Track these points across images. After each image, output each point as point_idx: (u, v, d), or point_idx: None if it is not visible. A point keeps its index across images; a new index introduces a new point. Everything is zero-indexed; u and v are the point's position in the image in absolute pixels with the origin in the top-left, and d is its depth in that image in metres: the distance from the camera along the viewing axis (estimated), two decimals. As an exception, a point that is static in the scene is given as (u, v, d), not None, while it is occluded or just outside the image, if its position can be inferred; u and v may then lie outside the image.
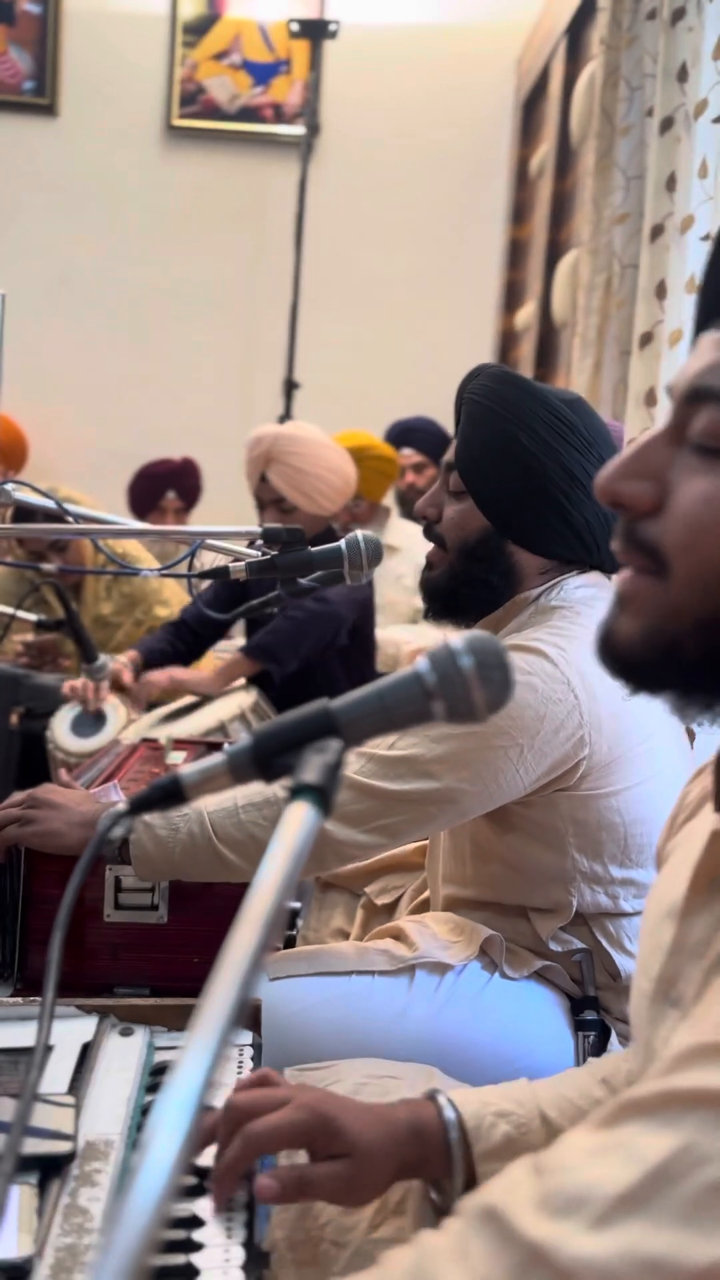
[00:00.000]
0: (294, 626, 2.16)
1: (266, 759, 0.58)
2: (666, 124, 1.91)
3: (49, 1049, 0.89)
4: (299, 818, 0.52)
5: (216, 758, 0.61)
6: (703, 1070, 0.44)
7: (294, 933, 1.36)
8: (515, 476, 1.16)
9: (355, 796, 1.08)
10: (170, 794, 0.61)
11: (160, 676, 2.16)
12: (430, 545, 1.28)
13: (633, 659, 0.56)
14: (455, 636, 0.60)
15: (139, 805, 0.62)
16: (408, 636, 2.90)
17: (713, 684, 0.54)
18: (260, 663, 2.16)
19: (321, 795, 0.53)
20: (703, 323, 0.58)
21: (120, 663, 2.20)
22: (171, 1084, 0.41)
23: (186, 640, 2.40)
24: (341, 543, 1.31)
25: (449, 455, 1.23)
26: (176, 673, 2.18)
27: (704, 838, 0.62)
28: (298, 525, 1.48)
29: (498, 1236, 0.45)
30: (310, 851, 1.09)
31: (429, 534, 1.27)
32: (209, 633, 2.43)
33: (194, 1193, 0.73)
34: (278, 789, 1.09)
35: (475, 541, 1.20)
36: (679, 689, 0.56)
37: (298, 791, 0.53)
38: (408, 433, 3.51)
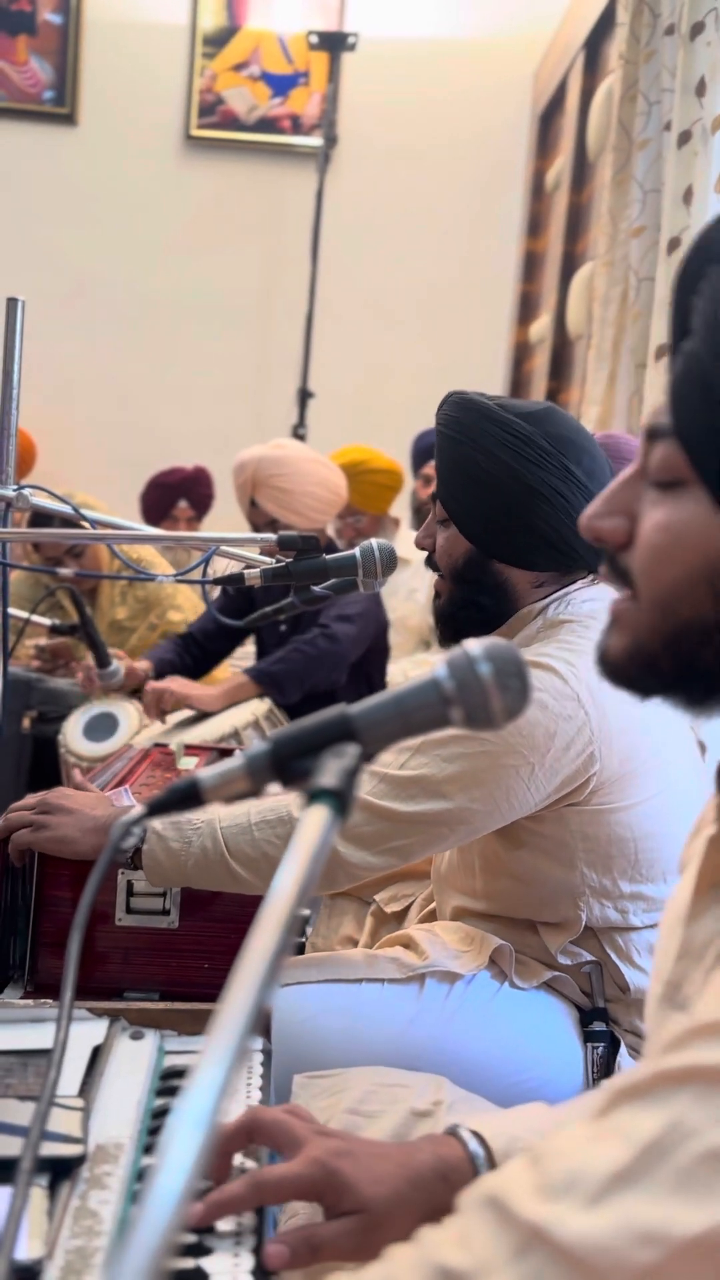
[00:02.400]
0: (304, 661, 2.18)
1: (284, 763, 0.58)
2: (684, 137, 1.92)
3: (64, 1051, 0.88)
4: (317, 821, 0.52)
5: (234, 761, 0.61)
6: (692, 1049, 0.45)
7: (304, 940, 1.36)
8: (481, 497, 1.18)
9: (367, 818, 1.08)
10: (188, 797, 0.61)
11: (166, 686, 2.15)
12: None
13: (621, 672, 0.63)
14: (474, 643, 0.60)
15: (156, 808, 0.62)
16: (417, 672, 2.91)
17: (688, 690, 0.60)
18: (265, 689, 2.18)
19: (339, 799, 0.53)
20: (673, 349, 0.60)
21: (142, 666, 2.22)
22: (189, 1087, 0.41)
23: (194, 654, 2.41)
24: (356, 550, 1.31)
25: (434, 488, 1.26)
26: (181, 686, 2.16)
27: (703, 847, 0.63)
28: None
29: (497, 1221, 0.46)
30: (323, 872, 1.09)
31: (429, 564, 1.29)
32: (216, 647, 2.44)
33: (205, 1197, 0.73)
34: (292, 808, 1.09)
35: (463, 565, 1.22)
36: (665, 695, 0.62)
37: (316, 795, 0.53)
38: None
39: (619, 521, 0.61)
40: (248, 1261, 0.68)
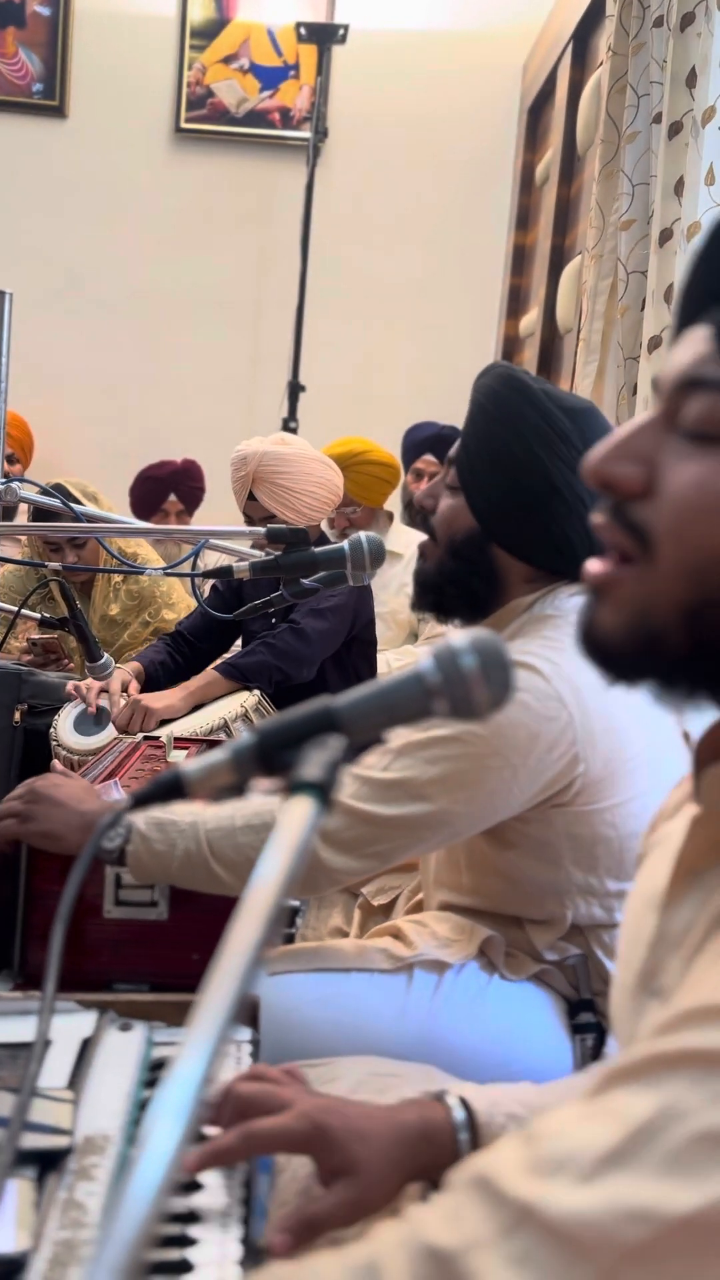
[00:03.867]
0: (272, 655, 2.17)
1: (269, 754, 0.58)
2: (674, 129, 1.92)
3: (47, 1044, 0.89)
4: (300, 813, 0.52)
5: (219, 753, 0.61)
6: (688, 1031, 0.45)
7: (293, 931, 1.36)
8: (502, 483, 1.15)
9: (349, 823, 1.07)
10: (172, 790, 0.61)
11: (139, 704, 2.12)
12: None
13: (612, 652, 0.56)
14: (458, 635, 0.60)
15: (141, 801, 0.62)
16: (400, 662, 2.91)
17: (697, 674, 0.54)
18: (234, 683, 2.17)
19: (323, 791, 0.54)
20: (685, 323, 0.59)
21: (127, 672, 2.20)
22: (170, 1078, 0.41)
23: (184, 653, 2.40)
24: (345, 543, 1.32)
25: (453, 449, 1.23)
26: (150, 701, 2.12)
27: (684, 830, 0.62)
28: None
29: (487, 1199, 0.46)
30: (304, 877, 1.09)
31: (424, 524, 1.26)
32: (206, 645, 2.43)
33: (192, 1188, 0.73)
34: (277, 813, 1.09)
35: (462, 540, 1.19)
36: (661, 679, 0.55)
37: (299, 787, 0.54)
38: (438, 441, 3.40)
39: (634, 468, 0.55)
40: (235, 1251, 0.68)
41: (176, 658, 2.39)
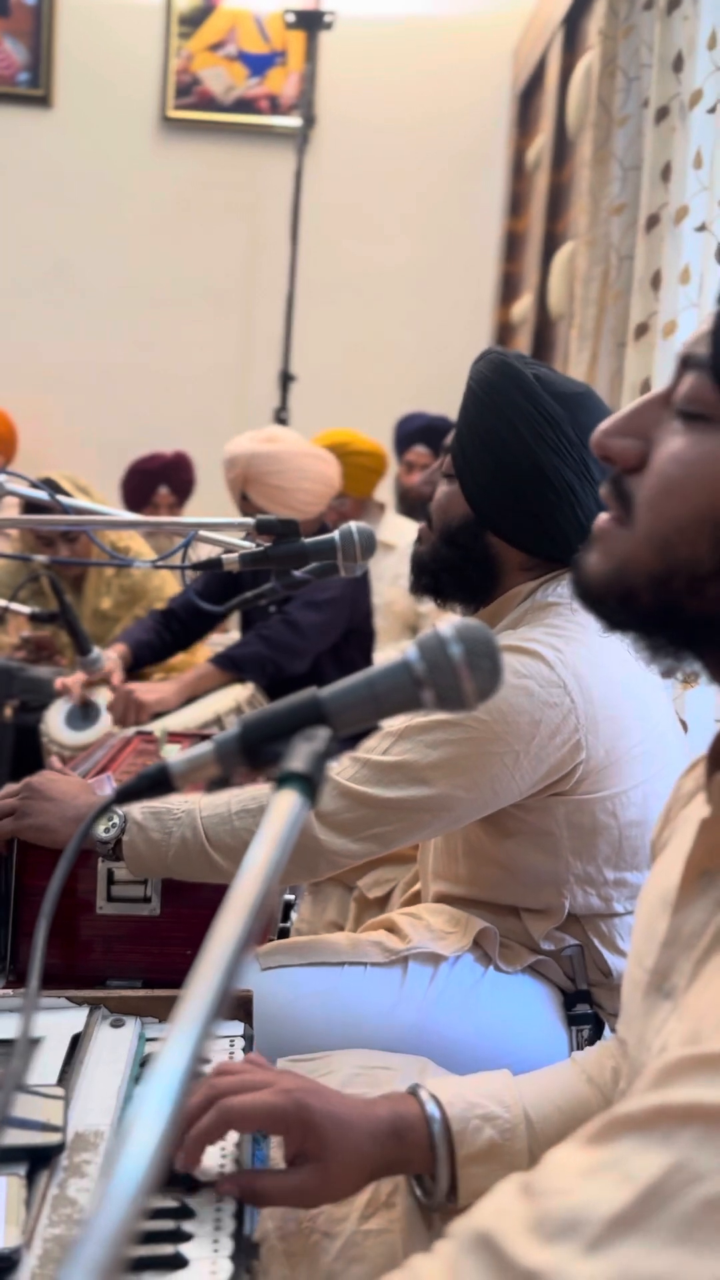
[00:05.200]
0: (266, 648, 2.16)
1: (254, 747, 0.58)
2: (662, 113, 1.90)
3: (37, 1041, 0.88)
4: (286, 806, 0.51)
5: (204, 746, 0.60)
6: (696, 1084, 0.43)
7: (288, 924, 1.35)
8: (492, 467, 1.15)
9: (348, 805, 1.07)
10: (158, 783, 0.61)
11: (132, 696, 2.11)
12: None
13: (595, 593, 0.61)
14: (445, 624, 0.59)
15: (126, 795, 0.61)
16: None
17: (669, 632, 0.58)
18: (229, 674, 2.16)
19: (309, 784, 0.53)
20: None
21: (112, 660, 2.19)
22: (153, 1073, 0.40)
23: (174, 630, 2.38)
24: (335, 534, 1.30)
25: (449, 436, 1.23)
26: (143, 694, 2.11)
27: (694, 830, 0.62)
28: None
29: (492, 1265, 0.44)
30: (302, 860, 1.10)
31: (423, 511, 1.26)
32: (199, 624, 2.42)
33: (184, 1183, 0.73)
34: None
35: (456, 527, 1.19)
36: (638, 631, 0.60)
37: (285, 780, 0.53)
38: (428, 431, 3.38)
39: (632, 443, 0.59)
40: (227, 1246, 0.68)
41: (165, 635, 2.37)
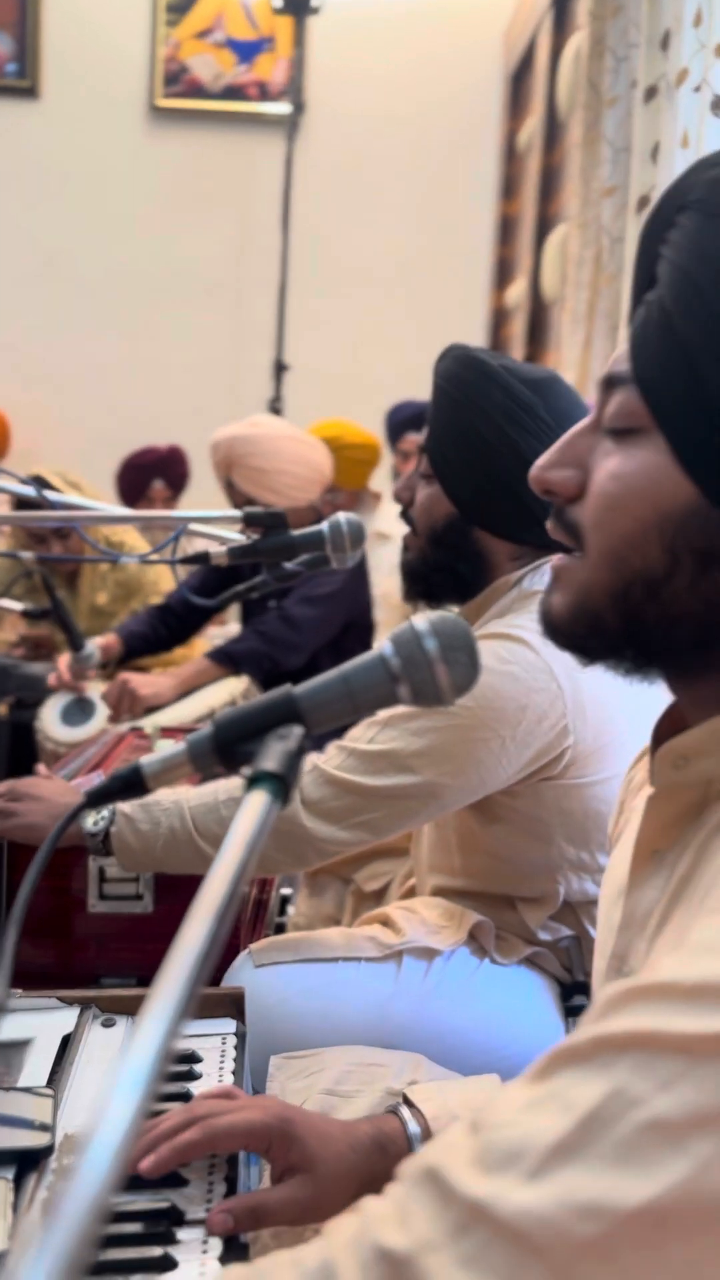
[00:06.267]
0: (262, 643, 2.16)
1: (228, 747, 0.57)
2: (650, 93, 1.88)
3: (27, 1042, 0.88)
4: (256, 806, 0.50)
5: (177, 746, 0.59)
6: (634, 1013, 0.44)
7: (284, 919, 1.35)
8: (474, 463, 1.15)
9: (335, 793, 1.07)
10: (131, 784, 0.60)
11: (127, 687, 2.11)
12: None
13: (564, 629, 0.61)
14: (420, 618, 0.59)
15: (98, 797, 0.61)
16: None
17: (633, 650, 0.59)
18: (225, 669, 2.16)
19: (281, 783, 0.52)
20: (636, 300, 0.58)
21: (98, 643, 2.19)
22: (118, 1074, 0.40)
23: (170, 625, 2.38)
24: (324, 525, 1.29)
25: (423, 437, 1.22)
26: (139, 686, 2.11)
27: (641, 811, 0.63)
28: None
29: (437, 1196, 0.45)
30: (290, 848, 1.10)
31: (404, 517, 1.26)
32: (194, 618, 2.42)
33: (173, 1182, 0.73)
34: None
35: (443, 528, 1.19)
36: (609, 656, 0.60)
37: (256, 780, 0.52)
38: (420, 419, 3.38)
39: (570, 473, 0.60)
40: (216, 1246, 0.67)
41: (160, 629, 2.37)
